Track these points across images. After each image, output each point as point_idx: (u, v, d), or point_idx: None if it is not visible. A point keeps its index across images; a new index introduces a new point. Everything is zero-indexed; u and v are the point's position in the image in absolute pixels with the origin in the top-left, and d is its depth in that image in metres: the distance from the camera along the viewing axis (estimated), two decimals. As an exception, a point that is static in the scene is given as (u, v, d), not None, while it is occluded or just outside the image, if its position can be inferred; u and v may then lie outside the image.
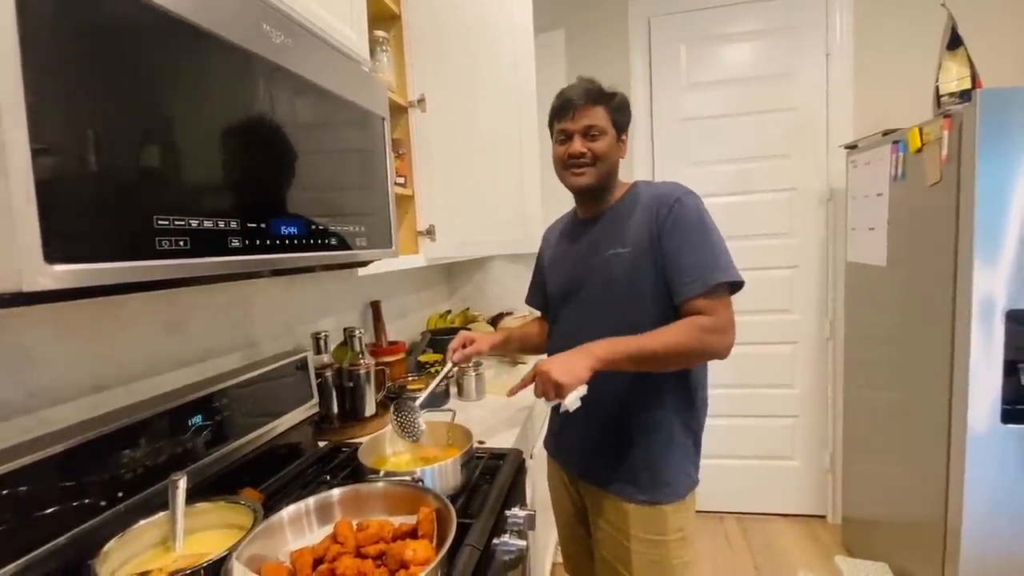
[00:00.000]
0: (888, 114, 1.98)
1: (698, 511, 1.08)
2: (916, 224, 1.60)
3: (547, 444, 1.26)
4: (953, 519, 1.44)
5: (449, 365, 1.22)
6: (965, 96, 1.43)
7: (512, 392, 1.12)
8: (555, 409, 1.14)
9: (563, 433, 1.18)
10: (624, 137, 1.09)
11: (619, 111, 1.06)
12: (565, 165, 1.08)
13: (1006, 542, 1.39)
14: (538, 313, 1.37)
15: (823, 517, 2.37)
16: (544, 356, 1.15)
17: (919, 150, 1.53)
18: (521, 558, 0.97)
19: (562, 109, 1.07)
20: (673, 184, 1.06)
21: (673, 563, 1.03)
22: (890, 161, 1.70)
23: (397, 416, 1.09)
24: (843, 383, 2.17)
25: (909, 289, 1.64)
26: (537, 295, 1.33)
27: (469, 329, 2.12)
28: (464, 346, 1.23)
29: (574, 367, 0.90)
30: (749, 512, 2.43)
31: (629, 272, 1.02)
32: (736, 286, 0.98)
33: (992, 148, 1.31)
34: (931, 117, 1.51)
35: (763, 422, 2.36)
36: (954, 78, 1.48)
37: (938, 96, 1.53)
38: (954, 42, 1.51)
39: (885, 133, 1.74)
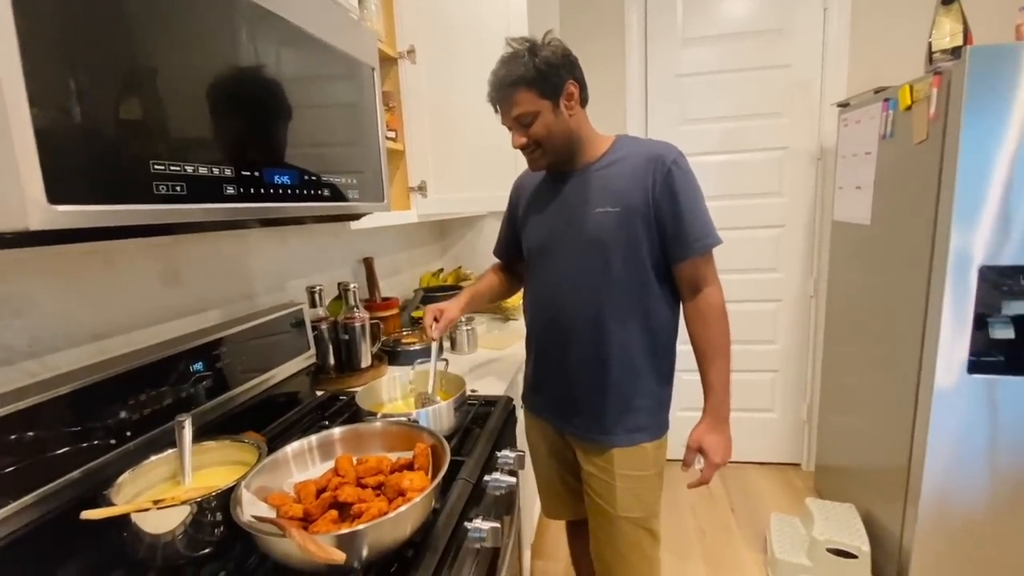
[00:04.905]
0: (882, 72, 1.97)
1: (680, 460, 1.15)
2: (901, 182, 1.62)
3: (525, 400, 1.29)
4: (916, 464, 1.54)
5: (435, 345, 1.20)
6: (956, 53, 1.43)
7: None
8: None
9: (542, 391, 1.21)
10: (566, 96, 1.01)
11: (543, 79, 0.98)
12: (519, 150, 1.07)
13: (964, 485, 1.49)
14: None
15: (797, 465, 2.50)
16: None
17: (909, 108, 1.54)
18: (512, 494, 1.04)
19: (490, 102, 1.06)
20: (664, 144, 1.05)
21: (652, 495, 1.12)
22: (880, 119, 1.70)
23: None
24: (823, 339, 2.24)
25: (890, 246, 1.68)
26: (506, 248, 1.32)
27: (461, 288, 2.16)
28: (436, 319, 1.23)
29: (727, 443, 1.10)
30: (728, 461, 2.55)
31: (619, 232, 1.03)
32: None
33: (978, 105, 1.32)
34: (923, 74, 1.51)
35: (745, 376, 2.45)
36: (947, 34, 1.47)
37: (931, 53, 1.52)
38: (950, -4, 1.49)
39: (877, 91, 1.74)
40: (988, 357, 1.42)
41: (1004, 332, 1.39)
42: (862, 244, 1.86)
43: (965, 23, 1.46)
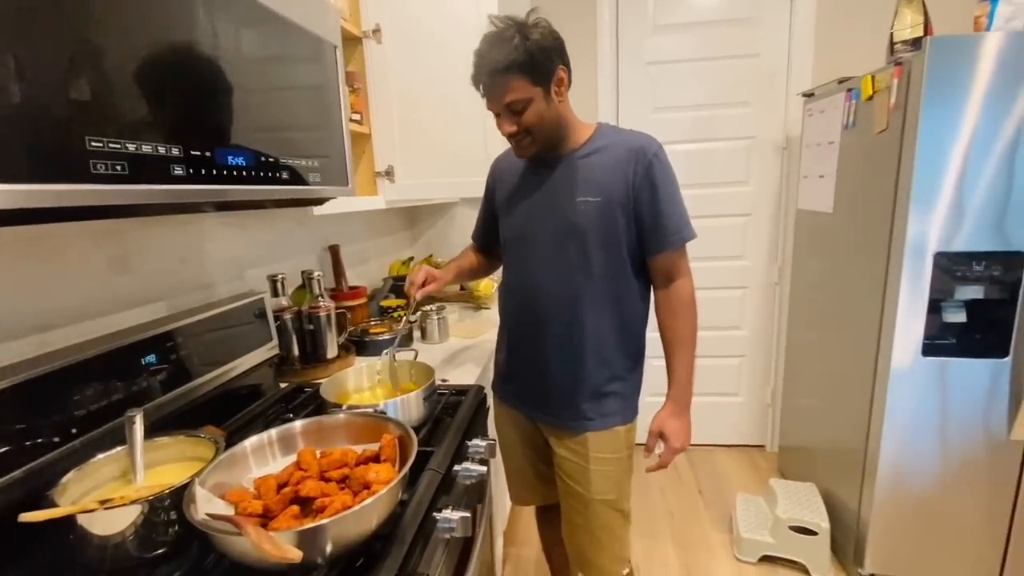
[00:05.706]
0: (847, 62, 2.01)
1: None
2: (862, 171, 1.66)
3: (496, 388, 1.29)
4: (873, 443, 1.60)
5: (414, 303, 1.21)
6: (917, 44, 1.46)
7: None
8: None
9: (514, 379, 1.21)
10: (557, 81, 0.99)
11: (537, 65, 0.95)
12: (506, 137, 1.04)
13: (917, 463, 1.56)
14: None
15: (762, 447, 2.58)
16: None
17: (870, 98, 1.58)
18: (483, 483, 1.03)
19: (476, 85, 1.00)
20: (645, 136, 1.05)
21: (624, 477, 1.14)
22: (843, 109, 1.74)
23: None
24: (787, 325, 2.31)
25: (851, 234, 1.73)
26: (484, 233, 1.31)
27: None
28: (425, 282, 1.21)
29: (688, 429, 1.12)
30: (695, 444, 2.60)
31: (599, 222, 1.03)
32: None
33: (937, 95, 1.36)
34: (885, 65, 1.54)
35: (713, 362, 2.50)
36: (908, 25, 1.50)
37: (892, 43, 1.55)
38: (911, -12, 1.52)
39: (841, 81, 1.78)
40: (941, 340, 1.47)
41: (956, 316, 1.45)
42: (824, 232, 1.91)
43: (926, 14, 1.49)
